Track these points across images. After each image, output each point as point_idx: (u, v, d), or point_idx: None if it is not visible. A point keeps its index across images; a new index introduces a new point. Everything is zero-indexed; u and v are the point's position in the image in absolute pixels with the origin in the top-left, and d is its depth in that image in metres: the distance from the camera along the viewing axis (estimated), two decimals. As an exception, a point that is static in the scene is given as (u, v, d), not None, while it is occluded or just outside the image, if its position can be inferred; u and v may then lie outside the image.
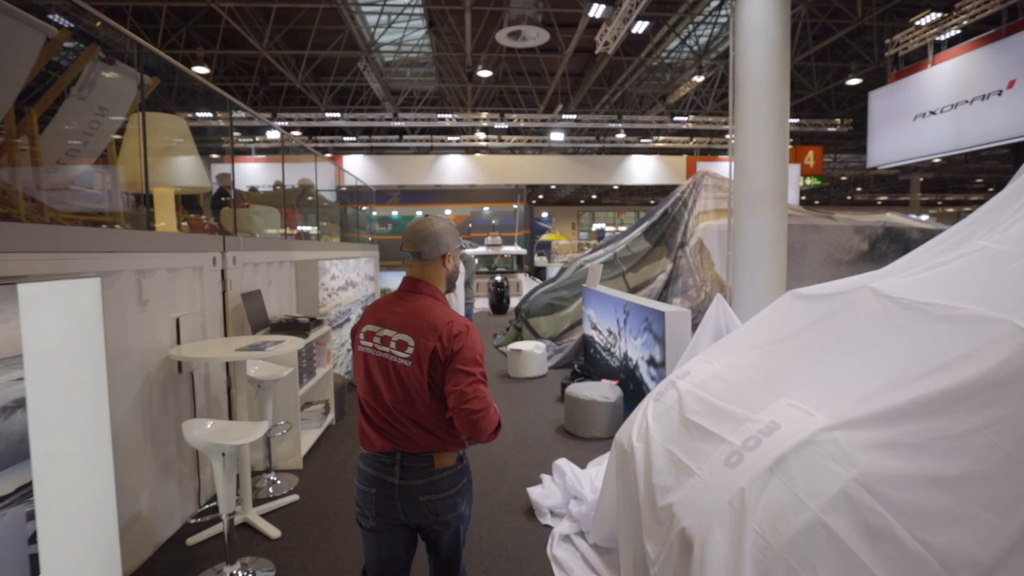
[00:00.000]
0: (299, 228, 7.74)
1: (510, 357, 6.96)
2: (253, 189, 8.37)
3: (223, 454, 2.63)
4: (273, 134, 13.21)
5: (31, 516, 1.64)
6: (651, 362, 4.54)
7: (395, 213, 26.27)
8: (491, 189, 23.49)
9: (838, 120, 15.53)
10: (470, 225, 23.43)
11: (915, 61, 9.75)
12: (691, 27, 13.71)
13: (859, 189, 32.03)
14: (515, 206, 21.28)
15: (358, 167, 16.50)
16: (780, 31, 6.32)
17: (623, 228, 38.82)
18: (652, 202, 38.17)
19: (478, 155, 17.89)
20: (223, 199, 5.70)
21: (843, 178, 28.75)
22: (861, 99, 17.32)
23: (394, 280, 14.85)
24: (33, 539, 1.65)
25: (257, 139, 16.33)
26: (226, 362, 3.69)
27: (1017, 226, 2.30)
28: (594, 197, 36.58)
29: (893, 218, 8.23)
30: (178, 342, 3.31)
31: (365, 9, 12.29)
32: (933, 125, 8.95)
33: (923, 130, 9.16)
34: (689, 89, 15.54)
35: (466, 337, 1.74)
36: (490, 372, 6.35)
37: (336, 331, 6.03)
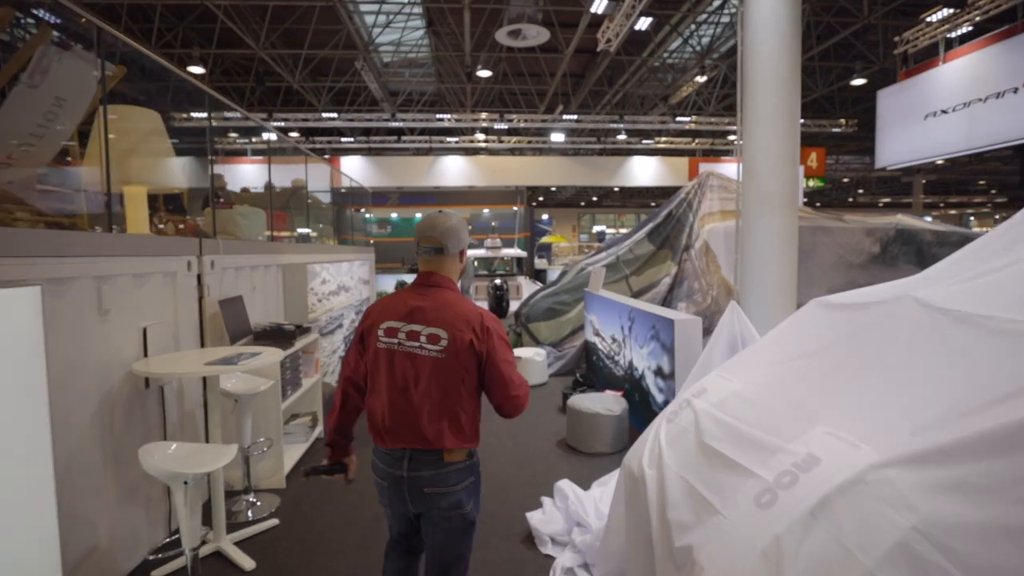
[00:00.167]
0: (298, 230, 7.46)
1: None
2: (245, 190, 8.10)
3: (186, 483, 2.34)
4: (268, 135, 12.97)
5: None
6: (659, 373, 4.25)
7: (394, 215, 26.00)
8: (491, 191, 23.20)
9: (843, 121, 15.24)
10: (470, 227, 23.12)
11: (925, 59, 9.47)
12: (693, 26, 13.45)
13: (860, 191, 31.75)
14: (515, 208, 21.00)
15: (356, 168, 16.22)
16: (790, 24, 6.03)
17: (624, 230, 38.65)
18: (653, 204, 37.90)
19: (477, 156, 17.62)
20: (218, 200, 5.43)
21: (845, 180, 28.48)
22: (865, 99, 17.05)
23: (389, 283, 14.56)
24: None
25: (253, 140, 16.09)
26: (202, 376, 3.39)
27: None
28: (595, 199, 36.31)
29: (904, 220, 7.93)
30: (145, 354, 3.02)
31: (363, 8, 12.02)
32: (944, 124, 8.66)
33: (934, 129, 8.88)
34: (691, 90, 15.27)
35: (499, 327, 1.84)
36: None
37: (326, 338, 5.74)
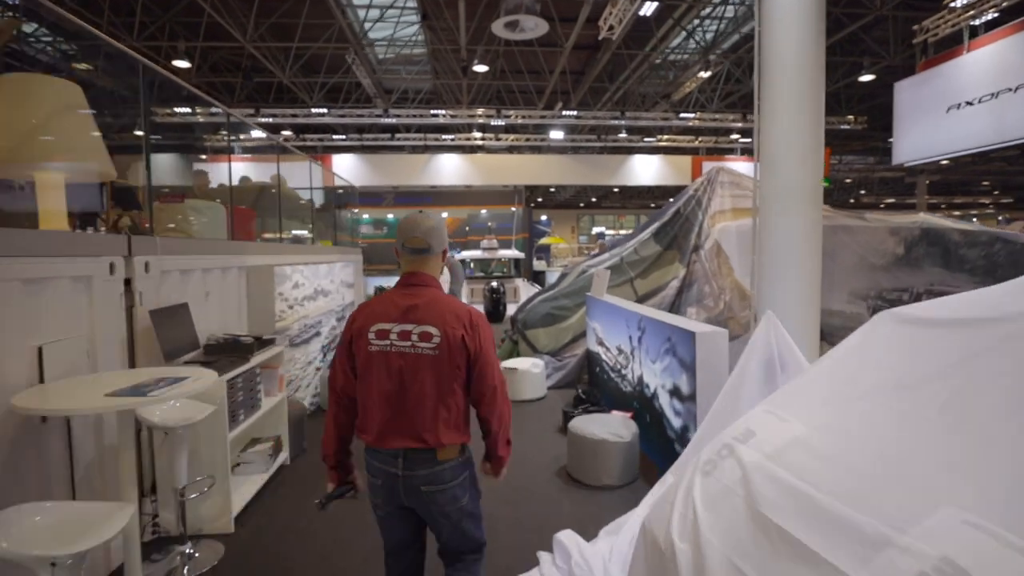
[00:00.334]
0: (292, 231, 6.82)
1: (505, 377, 6.01)
2: (245, 179, 7.47)
3: (53, 565, 1.70)
4: (249, 131, 12.34)
5: None
6: (675, 393, 3.61)
7: (390, 216, 25.36)
8: (488, 191, 22.58)
9: (851, 117, 14.62)
10: (467, 228, 22.52)
11: (946, 48, 8.85)
12: (697, 21, 12.85)
13: (863, 192, 31.15)
14: (513, 208, 20.37)
15: (348, 167, 15.59)
16: (815, -2, 5.39)
17: (624, 231, 37.98)
18: (653, 205, 37.25)
19: (474, 155, 16.98)
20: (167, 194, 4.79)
21: (847, 180, 27.86)
22: (872, 96, 16.45)
23: (385, 284, 13.90)
24: None
25: (241, 137, 15.48)
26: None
27: None
28: (594, 200, 35.70)
29: (929, 219, 7.29)
30: (41, 380, 2.39)
31: (356, 0, 11.40)
32: (970, 117, 8.03)
33: (958, 122, 8.25)
34: (694, 86, 14.65)
35: (486, 324, 1.87)
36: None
37: (299, 349, 5.10)
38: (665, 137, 16.17)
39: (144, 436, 3.12)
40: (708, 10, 12.19)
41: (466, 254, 13.28)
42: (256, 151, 14.88)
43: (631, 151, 16.86)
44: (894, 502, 1.36)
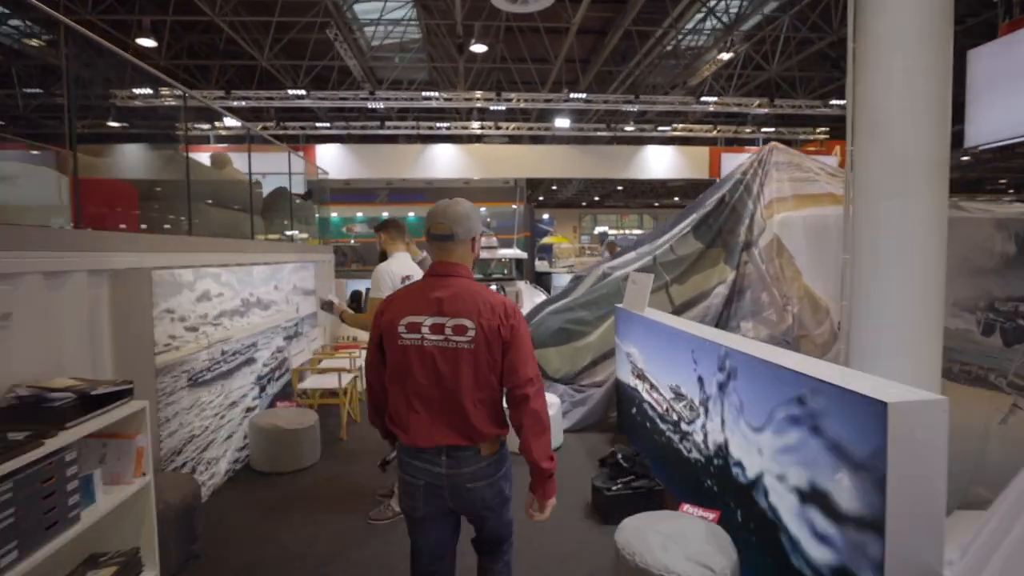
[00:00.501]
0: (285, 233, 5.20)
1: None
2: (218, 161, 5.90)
3: None
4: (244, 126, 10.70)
5: None
6: (816, 500, 1.98)
7: (385, 214, 23.77)
8: (488, 187, 20.95)
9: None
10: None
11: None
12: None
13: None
14: (514, 206, 18.72)
15: (334, 158, 13.96)
16: None
17: (632, 232, 36.41)
18: (656, 204, 35.64)
19: (472, 145, 15.33)
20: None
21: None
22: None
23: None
24: None
25: (214, 125, 13.84)
26: None
27: None
28: (596, 199, 34.08)
29: (1042, 208, 5.69)
30: None
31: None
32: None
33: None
34: (712, 70, 13.01)
35: (521, 315, 1.74)
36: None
37: (210, 387, 3.47)
38: (680, 126, 14.53)
39: None
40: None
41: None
42: (230, 141, 13.26)
43: (643, 141, 15.21)
44: None
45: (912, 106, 3.68)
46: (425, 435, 1.67)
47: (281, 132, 13.82)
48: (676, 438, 3.30)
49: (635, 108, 12.41)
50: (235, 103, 11.85)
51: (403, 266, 3.12)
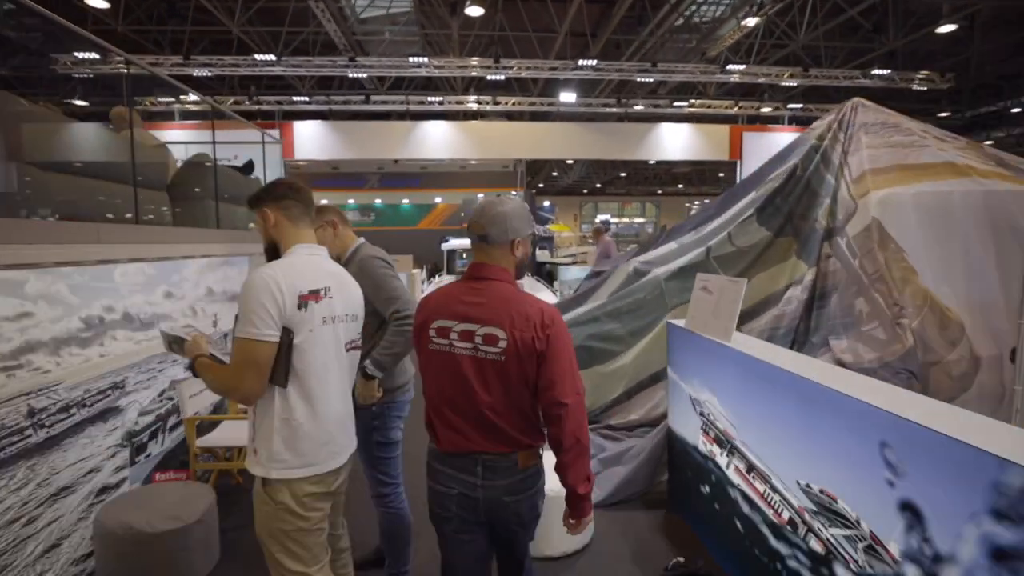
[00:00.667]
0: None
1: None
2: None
3: None
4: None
5: None
6: None
7: (378, 201, 22.19)
8: (486, 172, 19.37)
9: (935, 76, 11.38)
10: (462, 214, 19.29)
11: None
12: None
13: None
14: (514, 192, 17.10)
15: (314, 136, 12.35)
16: None
17: (635, 220, 34.79)
18: (660, 192, 33.99)
19: (468, 123, 13.67)
20: None
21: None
22: (955, 50, 13.19)
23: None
24: None
25: (181, 99, 12.21)
26: None
27: None
28: (598, 186, 32.45)
29: None
30: None
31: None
32: None
33: None
34: (735, 37, 11.38)
35: (562, 326, 1.55)
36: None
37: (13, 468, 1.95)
38: (698, 102, 12.91)
39: None
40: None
41: (455, 243, 10.13)
42: (199, 117, 11.60)
43: (656, 119, 13.58)
44: None
45: None
46: (457, 441, 1.56)
47: (255, 107, 12.19)
48: (794, 539, 1.80)
49: (651, 79, 10.79)
50: (196, 72, 10.19)
51: (303, 272, 1.61)
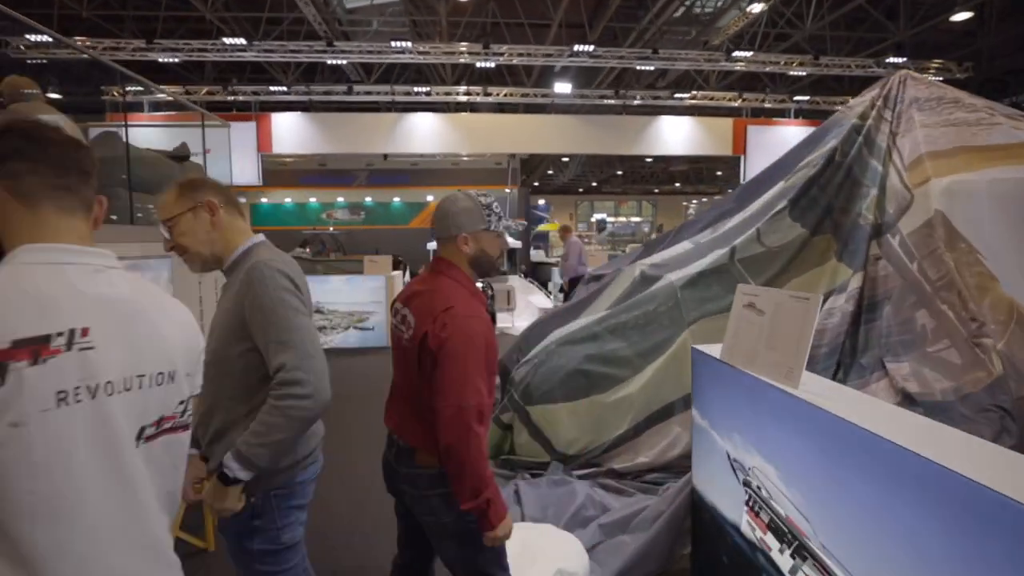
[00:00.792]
0: None
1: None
2: None
3: None
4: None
5: None
6: None
7: (368, 199, 21.37)
8: (478, 169, 18.57)
9: (951, 65, 10.64)
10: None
11: None
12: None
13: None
14: (507, 190, 16.31)
15: (293, 129, 11.53)
16: None
17: (631, 219, 34.06)
18: (656, 191, 33.22)
19: (457, 115, 12.85)
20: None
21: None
22: (967, 41, 12.46)
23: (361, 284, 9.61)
24: None
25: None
26: None
27: None
28: (594, 184, 31.68)
29: None
30: None
31: None
32: None
33: None
34: (739, 25, 10.62)
35: (460, 332, 1.43)
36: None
37: None
38: (700, 94, 12.13)
39: None
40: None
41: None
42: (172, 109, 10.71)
43: (656, 111, 12.79)
44: None
45: None
46: (388, 413, 1.68)
47: (230, 98, 11.34)
48: None
49: (651, 67, 10.01)
50: (161, 58, 9.35)
51: (20, 299, 0.80)
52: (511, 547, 1.68)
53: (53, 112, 3.44)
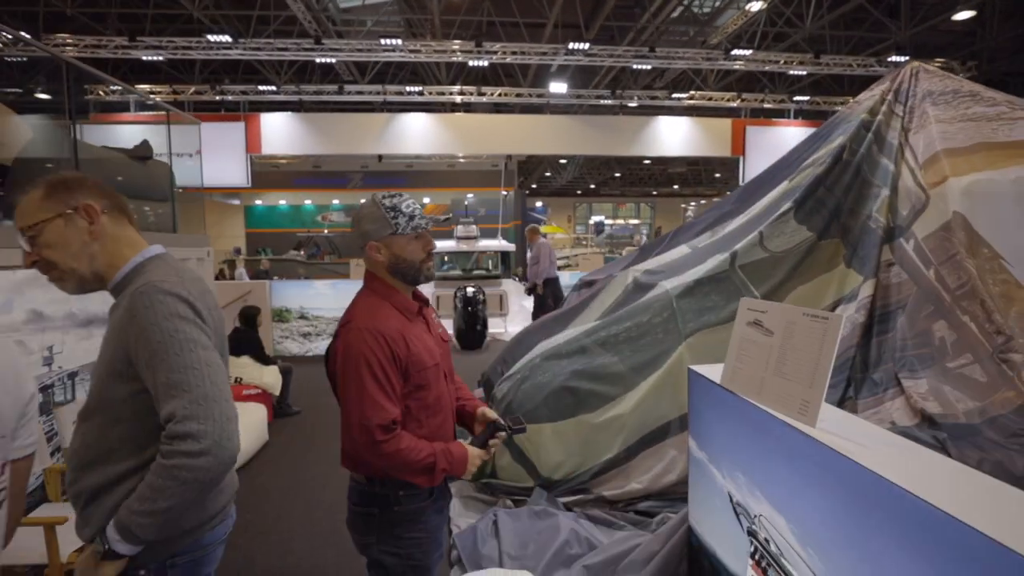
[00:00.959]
0: None
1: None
2: None
3: None
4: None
5: None
6: None
7: (363, 201, 21.07)
8: (475, 171, 18.30)
9: (955, 64, 10.39)
10: (450, 215, 18.23)
11: None
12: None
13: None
14: (503, 192, 15.99)
15: (283, 130, 11.26)
16: None
17: (631, 221, 33.76)
18: (655, 193, 32.93)
19: (453, 115, 12.58)
20: None
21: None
22: (967, 41, 12.22)
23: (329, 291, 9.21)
24: None
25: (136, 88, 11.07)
26: None
27: None
28: (592, 187, 31.42)
29: None
30: None
31: None
32: None
33: None
34: (738, 24, 10.36)
35: (352, 348, 1.39)
36: None
37: None
38: (698, 94, 11.86)
39: None
40: None
41: (437, 245, 9.06)
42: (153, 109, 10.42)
43: (654, 112, 12.51)
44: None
45: None
46: None
47: (218, 98, 11.07)
48: None
49: (648, 66, 9.75)
50: (145, 56, 9.08)
51: None
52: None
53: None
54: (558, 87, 11.45)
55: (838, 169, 3.35)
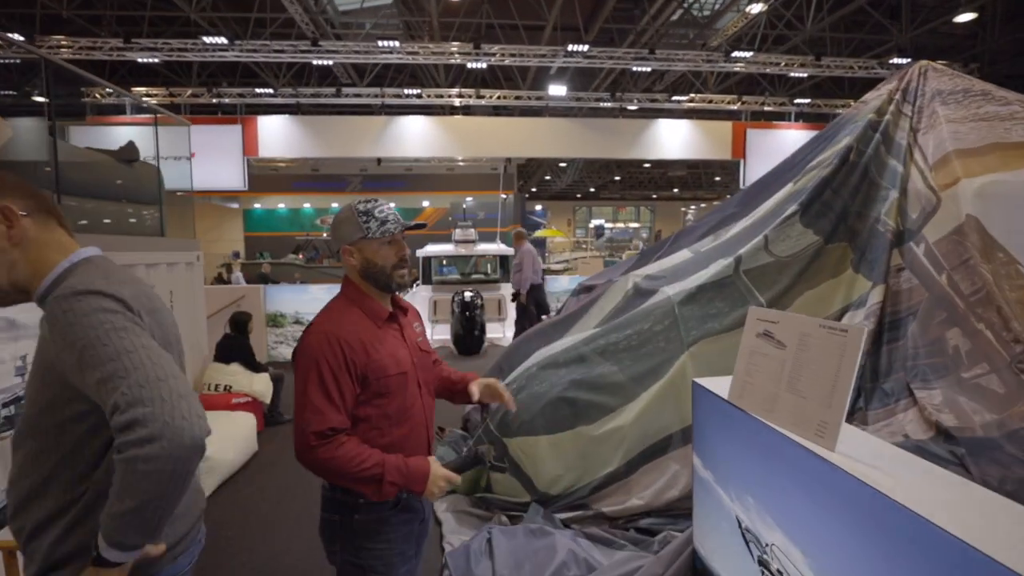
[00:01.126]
0: None
1: None
2: None
3: None
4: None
5: None
6: None
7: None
8: (475, 175, 18.22)
9: (957, 67, 10.28)
10: (449, 219, 18.12)
11: None
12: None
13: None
14: (502, 195, 15.87)
15: (280, 132, 11.16)
16: None
17: (630, 225, 33.66)
18: (655, 196, 32.82)
19: (452, 118, 12.49)
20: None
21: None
22: (968, 43, 12.13)
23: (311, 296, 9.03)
24: None
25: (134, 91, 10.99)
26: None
27: None
28: (592, 190, 31.33)
29: None
30: None
31: None
32: None
33: None
34: (739, 27, 10.26)
35: (305, 356, 1.38)
36: None
37: None
38: (699, 96, 11.76)
39: None
40: None
41: (432, 249, 8.94)
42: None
43: (654, 114, 12.40)
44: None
45: None
46: None
47: (215, 100, 10.98)
48: None
49: (648, 68, 9.65)
50: (140, 58, 8.98)
51: None
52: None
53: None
54: (557, 90, 11.35)
55: (845, 171, 3.23)
